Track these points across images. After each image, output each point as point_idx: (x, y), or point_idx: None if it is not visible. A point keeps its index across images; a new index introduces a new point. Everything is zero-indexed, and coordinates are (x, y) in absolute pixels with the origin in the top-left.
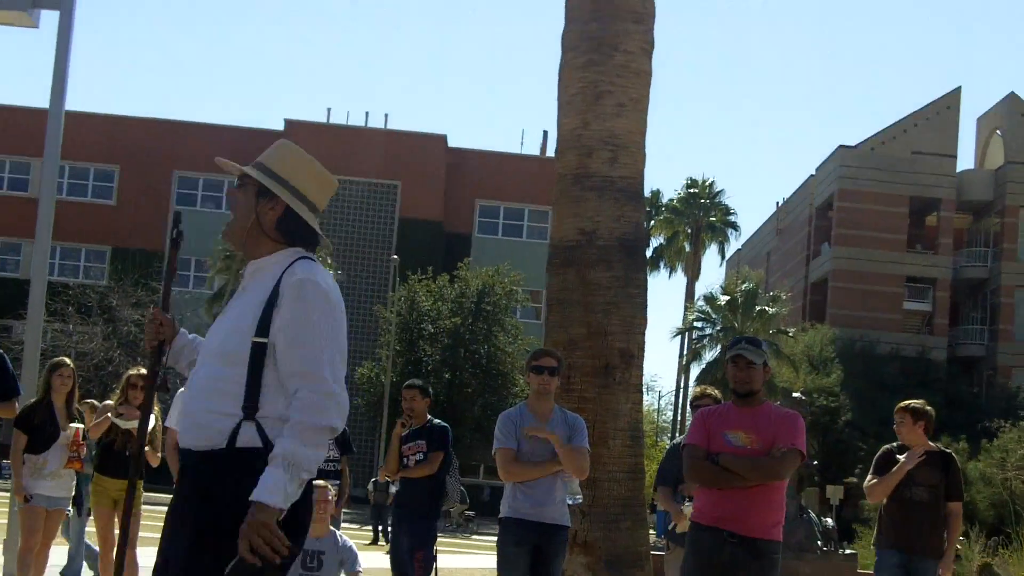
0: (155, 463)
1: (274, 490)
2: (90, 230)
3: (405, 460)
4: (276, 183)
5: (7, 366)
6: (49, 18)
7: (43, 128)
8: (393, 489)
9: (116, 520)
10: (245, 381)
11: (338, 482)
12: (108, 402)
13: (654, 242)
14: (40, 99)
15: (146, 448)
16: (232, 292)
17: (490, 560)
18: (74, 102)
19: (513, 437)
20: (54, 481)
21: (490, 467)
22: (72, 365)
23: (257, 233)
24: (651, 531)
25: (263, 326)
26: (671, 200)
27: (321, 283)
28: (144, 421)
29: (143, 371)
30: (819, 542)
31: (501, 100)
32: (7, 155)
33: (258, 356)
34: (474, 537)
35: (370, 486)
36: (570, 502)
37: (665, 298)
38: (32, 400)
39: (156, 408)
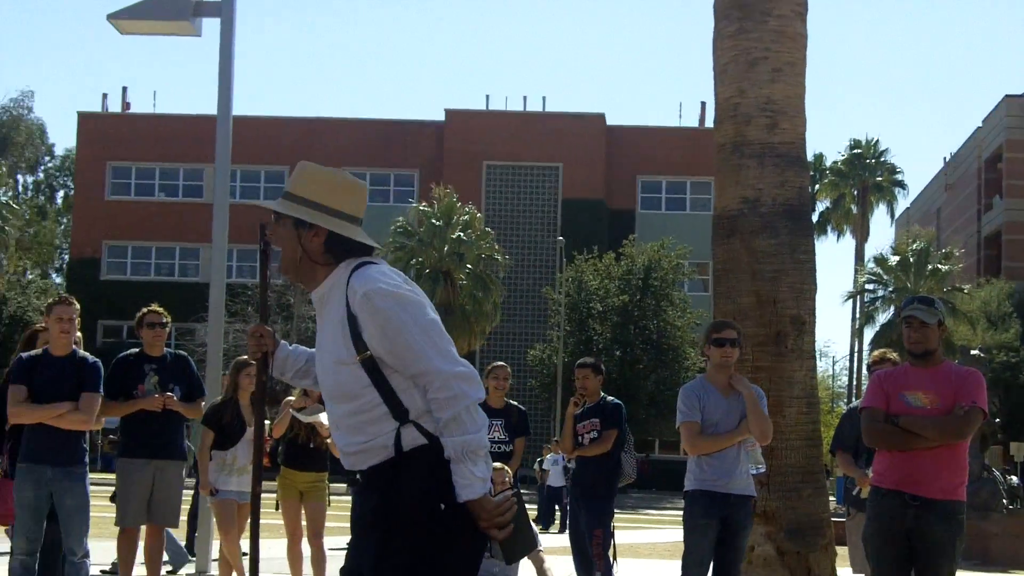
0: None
1: (470, 483)
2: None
3: (580, 438)
4: (310, 210)
5: (192, 368)
6: (211, 26)
7: (212, 134)
8: (554, 469)
9: (303, 512)
10: (381, 399)
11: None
12: (289, 398)
13: (820, 206)
14: (206, 106)
15: (329, 440)
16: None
17: (667, 534)
18: (239, 106)
19: (696, 410)
20: (242, 476)
21: (666, 442)
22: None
23: (308, 264)
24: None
25: (359, 345)
26: (835, 162)
27: (382, 285)
28: (259, 424)
29: None
30: (1004, 500)
31: (656, 74)
32: (180, 163)
33: (375, 372)
34: (649, 512)
35: (536, 465)
36: (753, 472)
37: (834, 262)
38: (219, 399)
39: None
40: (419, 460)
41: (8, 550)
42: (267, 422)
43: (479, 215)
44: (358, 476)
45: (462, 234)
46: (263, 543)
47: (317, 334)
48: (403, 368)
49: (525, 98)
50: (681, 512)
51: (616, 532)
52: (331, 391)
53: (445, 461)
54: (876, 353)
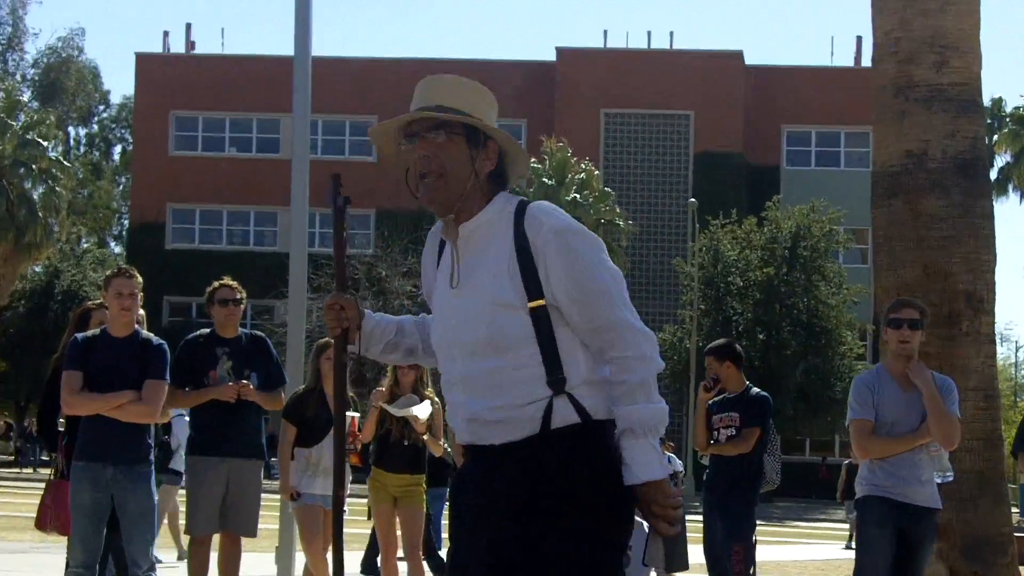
0: (438, 453)
1: (651, 462)
2: (351, 192)
3: (715, 434)
4: (490, 126)
5: (271, 352)
6: None
7: (290, 79)
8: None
9: (398, 520)
10: (540, 357)
11: None
12: (379, 389)
13: (999, 161)
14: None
15: (425, 437)
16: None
17: (818, 551)
18: (320, 46)
19: (870, 406)
20: (327, 479)
21: (817, 441)
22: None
23: (473, 190)
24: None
25: (532, 289)
26: (1017, 108)
27: (573, 223)
28: (340, 414)
29: None
30: None
31: (804, 4)
32: (254, 112)
33: (544, 323)
34: (798, 524)
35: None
36: (939, 480)
37: (1017, 228)
38: (301, 388)
39: (431, 390)
40: (566, 443)
41: (64, 563)
42: (354, 414)
43: (597, 173)
44: (468, 452)
45: (577, 195)
46: (350, 556)
47: (456, 276)
48: (587, 319)
49: (649, 33)
50: (836, 525)
51: (757, 547)
52: (479, 341)
53: (596, 447)
54: None
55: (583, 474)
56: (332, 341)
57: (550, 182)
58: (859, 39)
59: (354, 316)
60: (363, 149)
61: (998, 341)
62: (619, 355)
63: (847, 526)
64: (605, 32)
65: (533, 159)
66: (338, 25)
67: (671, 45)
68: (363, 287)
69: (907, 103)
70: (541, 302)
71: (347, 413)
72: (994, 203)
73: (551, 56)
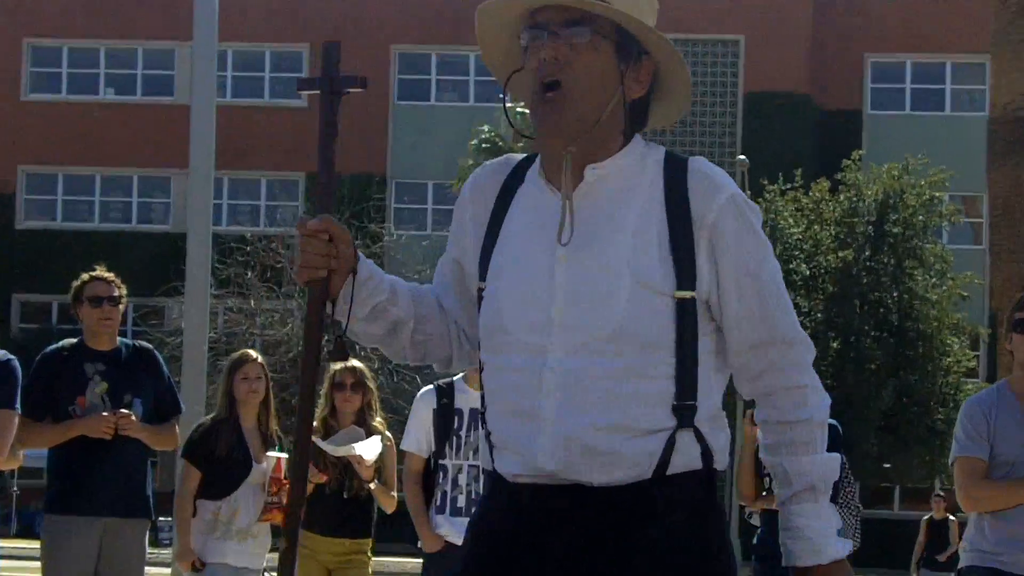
0: (390, 507)
1: (832, 533)
2: (273, 149)
3: (767, 481)
4: (648, 30)
5: (161, 369)
6: None
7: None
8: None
9: None
10: (674, 369)
11: None
12: None
13: None
14: None
15: (372, 485)
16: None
17: None
18: None
19: (983, 439)
20: (244, 543)
21: (912, 491)
22: (261, 361)
23: (611, 121)
24: None
25: (684, 273)
26: None
27: (738, 188)
28: (306, 415)
29: (357, 364)
30: None
31: None
32: (138, 40)
33: (688, 323)
34: None
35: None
36: None
37: None
38: (206, 419)
39: (380, 421)
40: (685, 496)
41: None
42: (280, 454)
43: None
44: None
45: None
46: None
47: (569, 231)
48: (751, 328)
49: None
50: None
51: None
52: (605, 328)
53: (718, 511)
54: None
55: (705, 549)
56: (248, 354)
57: None
58: None
59: (348, 254)
60: (290, 90)
61: None
62: (792, 384)
63: None
64: None
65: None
66: None
67: None
68: (288, 280)
69: None
70: (691, 293)
71: (271, 453)
72: None
73: None
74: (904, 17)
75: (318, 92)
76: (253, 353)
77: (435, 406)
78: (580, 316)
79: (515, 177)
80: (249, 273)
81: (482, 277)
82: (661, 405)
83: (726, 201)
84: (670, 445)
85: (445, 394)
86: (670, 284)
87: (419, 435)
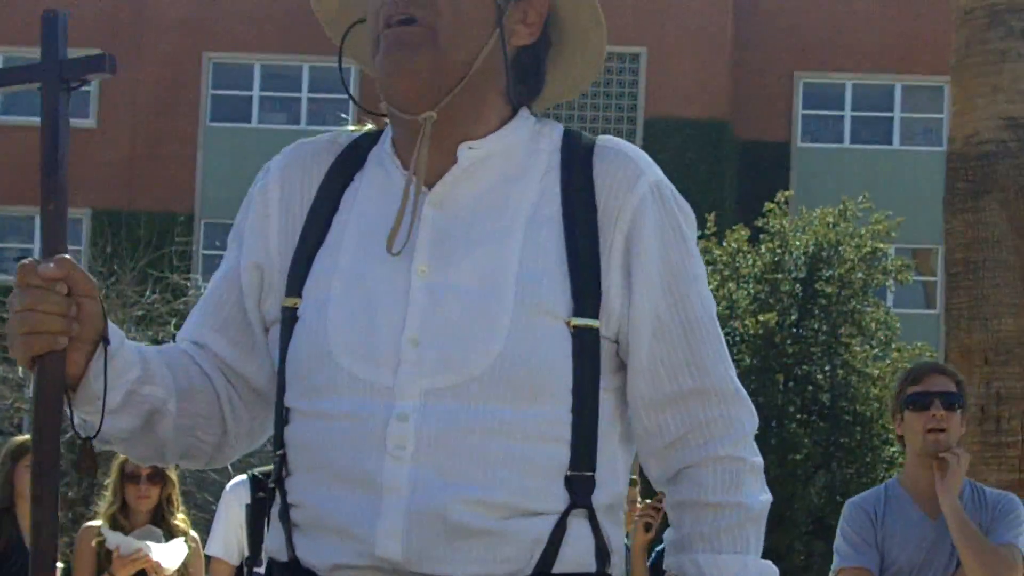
0: None
1: None
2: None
3: None
4: None
5: None
6: None
7: None
8: None
9: None
10: (570, 426)
11: None
12: (90, 523)
13: None
14: None
15: None
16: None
17: None
18: None
19: (870, 545)
20: None
21: None
22: (173, 477)
23: (487, 80)
24: None
25: (585, 295)
26: None
27: (672, 187)
28: (45, 539)
29: None
30: None
31: None
32: None
33: (589, 366)
34: None
35: None
36: None
37: None
38: None
39: (183, 520)
40: None
41: None
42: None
43: None
44: None
45: None
46: None
47: (413, 233)
48: (664, 375)
49: None
50: None
51: None
52: (474, 363)
53: None
54: None
55: None
56: (25, 357)
57: None
58: None
59: (94, 314)
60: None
61: None
62: (725, 454)
63: None
64: None
65: (369, 125)
66: None
67: None
68: (107, 281)
69: (1008, 39)
70: (594, 323)
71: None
72: None
73: None
74: (843, 30)
75: (37, 85)
76: (169, 472)
77: (248, 501)
78: (444, 348)
79: (350, 158)
80: None
81: (293, 291)
82: (551, 475)
83: (648, 192)
84: (559, 531)
85: (261, 486)
86: (565, 308)
87: (229, 537)
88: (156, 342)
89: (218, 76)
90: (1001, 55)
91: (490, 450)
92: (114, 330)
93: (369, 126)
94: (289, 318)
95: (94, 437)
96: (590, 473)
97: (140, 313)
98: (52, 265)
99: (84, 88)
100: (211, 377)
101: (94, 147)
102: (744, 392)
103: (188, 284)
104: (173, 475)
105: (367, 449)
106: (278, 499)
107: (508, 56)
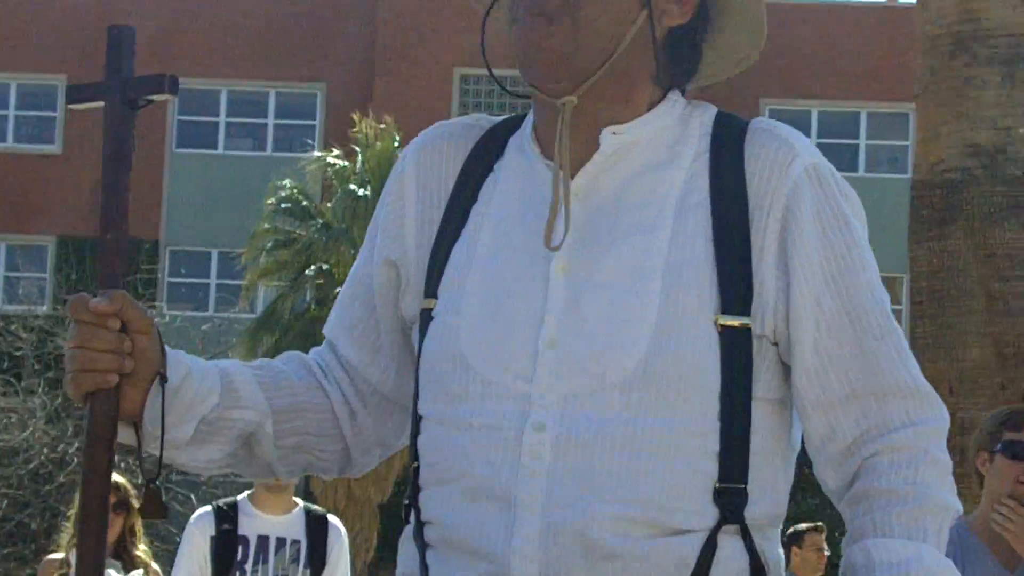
0: None
1: None
2: (14, 206)
3: None
4: None
5: None
6: None
7: None
8: None
9: None
10: (719, 435)
11: None
12: (53, 556)
13: None
14: None
15: None
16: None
17: None
18: None
19: None
20: None
21: None
22: None
23: (634, 63)
24: None
25: (735, 291)
26: None
27: (831, 167)
28: None
29: (118, 479)
30: None
31: None
32: None
33: (740, 368)
34: None
35: None
36: None
37: None
38: None
39: (144, 551)
40: None
41: None
42: None
43: None
44: None
45: None
46: None
47: (564, 228)
48: (835, 373)
49: None
50: None
51: None
52: (617, 366)
53: None
54: None
55: None
56: (81, 395)
57: (363, 191)
58: None
59: (150, 350)
60: (41, 132)
61: None
62: (909, 444)
63: None
64: None
65: (333, 150)
66: None
67: None
68: (30, 372)
69: (973, 66)
70: (744, 321)
71: None
72: None
73: None
74: (809, 57)
75: (101, 104)
76: None
77: (213, 533)
78: (584, 351)
79: (490, 145)
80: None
81: (430, 292)
82: (698, 488)
83: (803, 175)
84: (709, 550)
85: (226, 518)
86: (713, 304)
87: (192, 569)
88: None
89: (184, 102)
90: (966, 82)
91: (633, 462)
92: (178, 362)
93: (336, 152)
94: (426, 320)
95: (155, 480)
96: (742, 486)
97: None
98: (105, 300)
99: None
100: (328, 390)
101: (59, 174)
102: (931, 389)
103: (154, 311)
104: (135, 503)
105: (501, 461)
106: (412, 518)
107: (657, 38)
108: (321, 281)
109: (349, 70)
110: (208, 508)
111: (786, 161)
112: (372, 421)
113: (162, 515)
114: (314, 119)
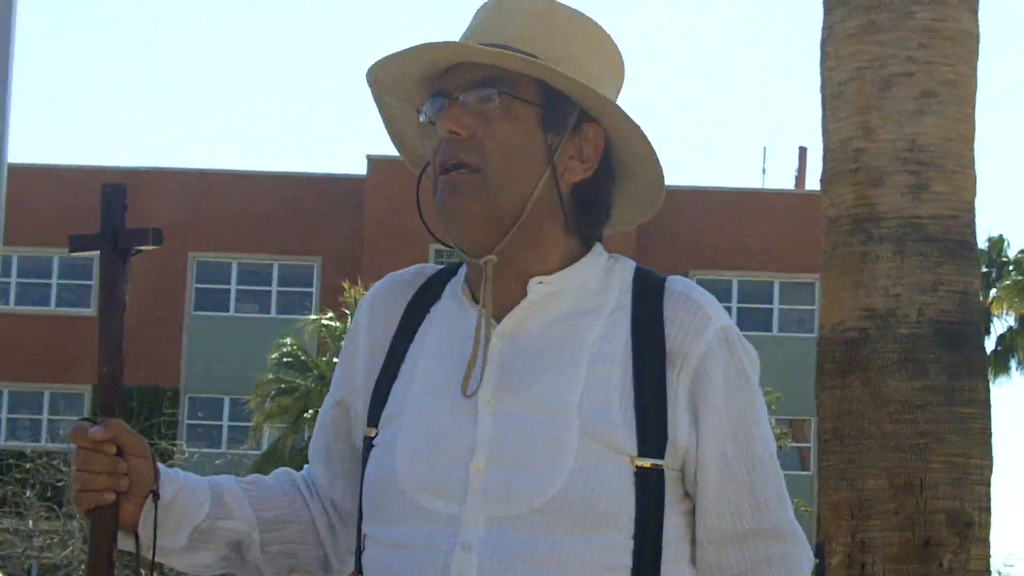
0: None
1: None
2: (57, 360)
3: None
4: (591, 93)
5: None
6: None
7: None
8: None
9: None
10: (631, 559)
11: None
12: None
13: (999, 325)
14: None
15: None
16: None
17: None
18: (18, 152)
19: None
20: None
21: None
22: None
23: (546, 216)
24: None
25: (651, 434)
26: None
27: (738, 331)
28: None
29: None
30: None
31: (721, 97)
32: None
33: (653, 499)
34: None
35: None
36: None
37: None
38: None
39: None
40: None
41: None
42: None
43: None
44: None
45: None
46: None
47: (486, 373)
48: (728, 514)
49: None
50: None
51: None
52: (538, 492)
53: None
54: None
55: None
56: (84, 509)
57: None
58: (802, 150)
59: (143, 470)
60: (77, 298)
61: None
62: None
63: None
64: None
65: (329, 313)
66: (37, 125)
67: None
68: (68, 499)
69: (870, 243)
70: (657, 462)
71: None
72: (990, 385)
73: (361, 168)
74: (731, 234)
75: (96, 252)
76: None
77: None
78: (509, 477)
79: (429, 291)
80: (28, 492)
81: (372, 422)
82: None
83: (715, 337)
84: None
85: None
86: (630, 445)
87: None
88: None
89: (201, 272)
90: (862, 256)
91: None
92: (171, 480)
93: (329, 315)
94: (367, 447)
95: None
96: None
97: None
98: (101, 429)
99: (136, 254)
100: (310, 504)
101: (94, 332)
102: (801, 531)
103: (175, 449)
104: None
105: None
106: None
107: (563, 193)
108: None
109: (340, 246)
110: None
111: (701, 326)
112: (346, 532)
113: None
114: (311, 287)
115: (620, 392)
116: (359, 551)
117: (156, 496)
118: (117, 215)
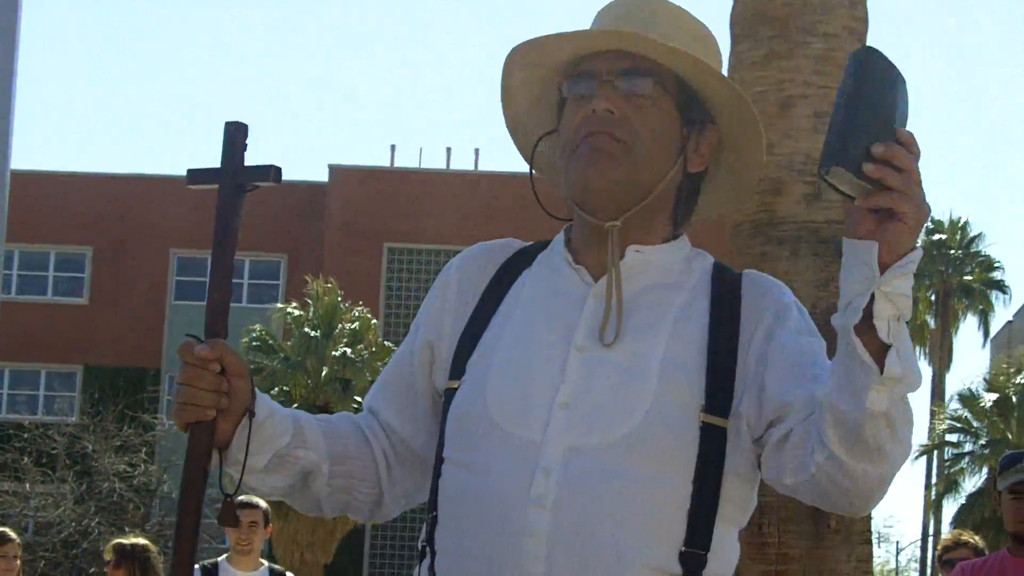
0: None
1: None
2: (52, 343)
3: None
4: (736, 96)
5: None
6: None
7: None
8: None
9: None
10: (689, 501)
11: None
12: None
13: None
14: None
15: None
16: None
17: None
18: (21, 159)
19: None
20: None
21: None
22: (17, 539)
23: (662, 200)
24: None
25: (719, 398)
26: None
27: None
28: None
29: (138, 541)
30: None
31: None
32: None
33: (714, 452)
34: None
35: None
36: None
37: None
38: None
39: None
40: None
41: None
42: None
43: (375, 322)
44: None
45: (348, 350)
46: None
47: (616, 322)
48: (788, 377)
49: (449, 151)
50: None
51: None
52: (615, 427)
53: None
54: (948, 537)
55: None
56: (5, 533)
57: (315, 333)
58: None
59: (242, 390)
60: (71, 288)
61: (875, 542)
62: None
63: None
64: (393, 147)
65: (293, 304)
66: (36, 131)
67: (476, 165)
68: (62, 466)
69: (769, 245)
70: (722, 421)
71: None
72: None
73: (322, 176)
74: None
75: (215, 186)
76: (11, 533)
77: None
78: (590, 413)
79: (521, 258)
80: (25, 458)
81: (456, 374)
82: (668, 544)
83: (783, 307)
84: None
85: (210, 574)
86: (701, 401)
87: None
88: (131, 466)
89: (181, 267)
90: (762, 256)
91: (622, 508)
92: (264, 403)
93: (294, 304)
94: (449, 397)
95: (234, 494)
96: (703, 552)
97: (119, 443)
98: (207, 347)
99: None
100: (372, 443)
101: (86, 320)
102: None
103: (156, 422)
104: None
105: (512, 500)
106: (428, 554)
107: (683, 181)
108: (282, 400)
109: (304, 245)
110: (196, 565)
111: (770, 302)
112: (402, 474)
113: (234, 523)
114: (278, 280)
115: (698, 352)
116: (435, 479)
117: (252, 415)
118: (238, 152)
